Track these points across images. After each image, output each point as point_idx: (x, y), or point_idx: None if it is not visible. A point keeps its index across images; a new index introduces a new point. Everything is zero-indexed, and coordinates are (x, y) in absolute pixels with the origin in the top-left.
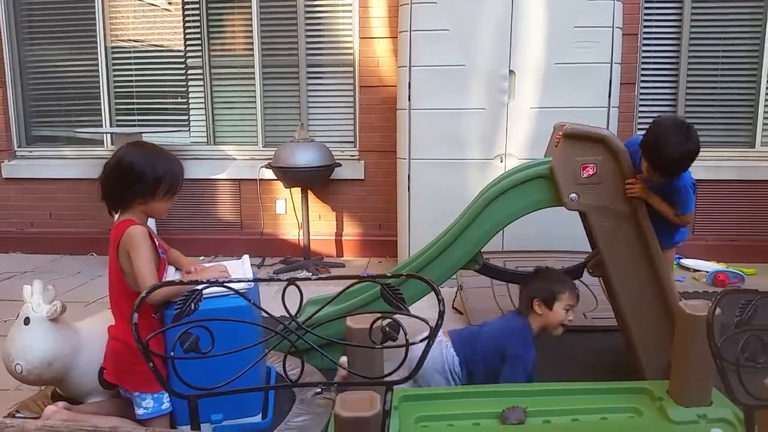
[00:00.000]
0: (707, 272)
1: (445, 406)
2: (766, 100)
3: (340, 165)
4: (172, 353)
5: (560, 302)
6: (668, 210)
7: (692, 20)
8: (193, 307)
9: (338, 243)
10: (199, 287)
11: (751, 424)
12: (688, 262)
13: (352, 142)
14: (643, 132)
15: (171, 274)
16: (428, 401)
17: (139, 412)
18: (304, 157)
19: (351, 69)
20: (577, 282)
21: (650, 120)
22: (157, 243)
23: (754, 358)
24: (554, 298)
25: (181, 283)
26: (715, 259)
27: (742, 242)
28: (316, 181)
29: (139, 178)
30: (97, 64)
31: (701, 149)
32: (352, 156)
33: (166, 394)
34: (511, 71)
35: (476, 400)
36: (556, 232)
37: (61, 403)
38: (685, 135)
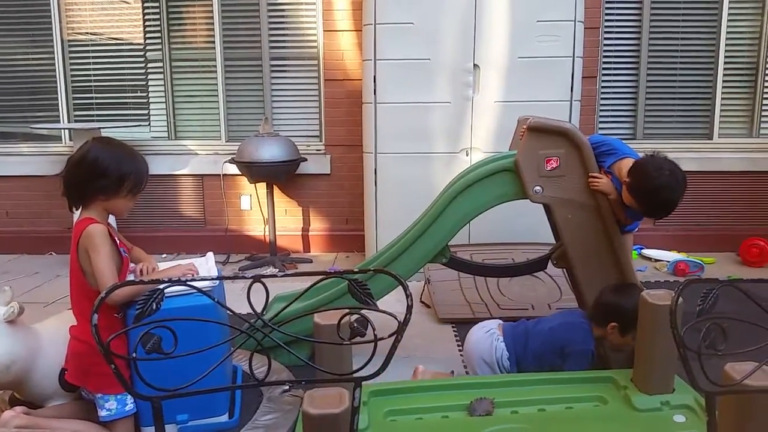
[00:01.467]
0: (668, 262)
1: (414, 399)
2: (722, 93)
3: (305, 159)
4: (134, 354)
5: (634, 333)
6: (621, 212)
7: (652, 14)
8: (155, 307)
9: (305, 238)
10: (161, 286)
11: (712, 410)
12: (649, 252)
13: (317, 136)
14: (604, 125)
15: None
16: (397, 395)
17: (102, 413)
18: (269, 151)
19: (315, 62)
20: (541, 273)
21: (611, 113)
22: (118, 242)
23: (715, 345)
24: (632, 329)
25: (141, 282)
26: (676, 249)
27: (702, 232)
28: (281, 176)
29: (103, 175)
30: (53, 58)
31: (662, 141)
32: (317, 150)
33: (130, 395)
34: (475, 65)
35: (444, 392)
36: (521, 225)
37: (19, 408)
38: (683, 185)
